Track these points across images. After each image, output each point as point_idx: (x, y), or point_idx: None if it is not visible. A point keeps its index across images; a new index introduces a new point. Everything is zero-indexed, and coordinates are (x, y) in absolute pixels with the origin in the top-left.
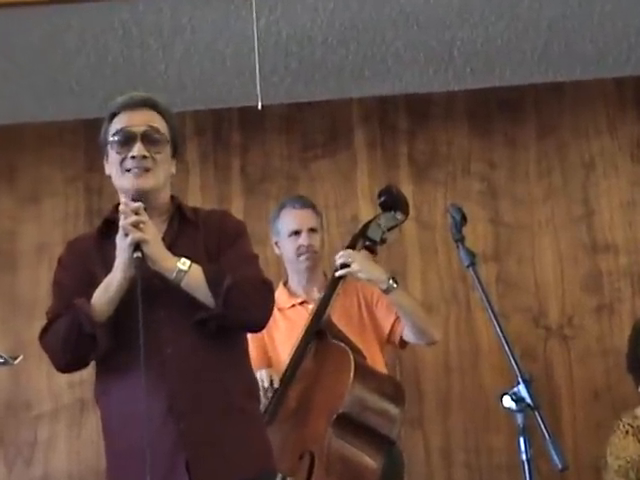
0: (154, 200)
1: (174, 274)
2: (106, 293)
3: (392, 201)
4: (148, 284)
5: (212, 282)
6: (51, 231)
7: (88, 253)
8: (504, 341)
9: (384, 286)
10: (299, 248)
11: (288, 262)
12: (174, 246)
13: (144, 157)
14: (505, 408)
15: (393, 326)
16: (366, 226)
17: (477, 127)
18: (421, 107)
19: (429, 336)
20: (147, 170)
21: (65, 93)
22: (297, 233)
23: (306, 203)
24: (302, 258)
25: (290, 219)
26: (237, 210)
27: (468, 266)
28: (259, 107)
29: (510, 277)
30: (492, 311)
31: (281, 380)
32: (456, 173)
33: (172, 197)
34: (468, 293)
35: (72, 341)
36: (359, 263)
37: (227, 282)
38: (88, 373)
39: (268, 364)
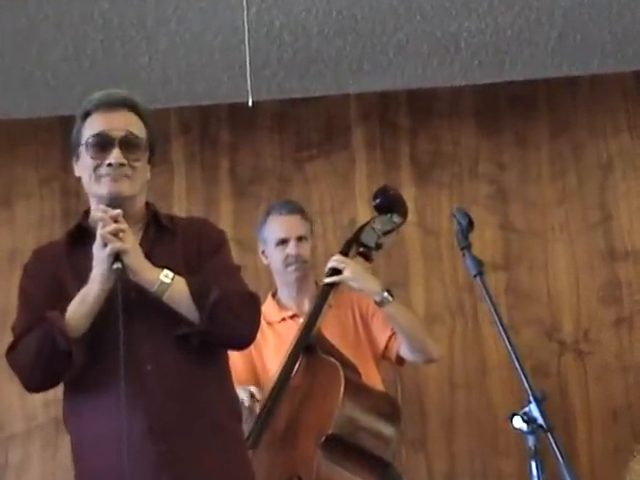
0: (130, 208)
1: (156, 286)
2: (82, 306)
3: (388, 203)
4: (126, 296)
5: (196, 295)
6: (24, 236)
7: (57, 262)
8: (514, 356)
9: (378, 298)
10: (287, 258)
11: (276, 273)
12: (151, 256)
13: (122, 165)
14: (515, 429)
15: (389, 342)
16: (360, 230)
17: (485, 125)
18: (424, 103)
19: (427, 354)
20: (125, 177)
21: (40, 87)
22: (284, 242)
23: (294, 208)
24: (290, 269)
25: (277, 226)
26: (226, 214)
27: (475, 275)
28: (250, 103)
29: (521, 287)
30: (501, 324)
31: (267, 399)
32: (462, 175)
33: (147, 204)
34: (475, 304)
35: (45, 358)
36: (351, 270)
37: (213, 296)
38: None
39: (256, 382)
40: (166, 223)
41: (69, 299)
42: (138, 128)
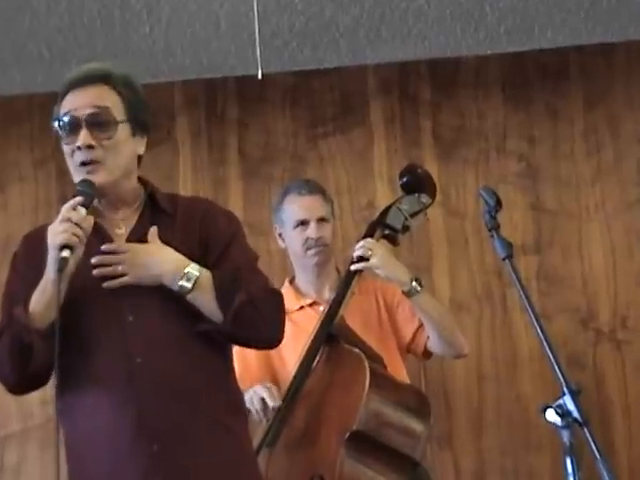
0: (114, 192)
1: (178, 286)
2: (43, 295)
3: (416, 182)
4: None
5: (221, 296)
6: (19, 222)
7: (46, 250)
8: (547, 346)
9: (406, 288)
10: (307, 241)
11: (294, 257)
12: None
13: (90, 147)
14: (548, 423)
15: (415, 334)
16: (385, 212)
17: (513, 97)
18: (447, 74)
19: (456, 348)
20: (95, 162)
21: (33, 61)
22: (304, 223)
23: (315, 188)
24: (310, 252)
25: (296, 207)
26: (235, 196)
27: (504, 259)
28: (259, 76)
29: (553, 271)
30: (532, 311)
31: (286, 393)
32: (489, 151)
33: (143, 182)
34: (504, 290)
35: (15, 356)
36: (380, 257)
37: (240, 298)
38: None
39: (272, 376)
40: (164, 205)
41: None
42: (110, 101)
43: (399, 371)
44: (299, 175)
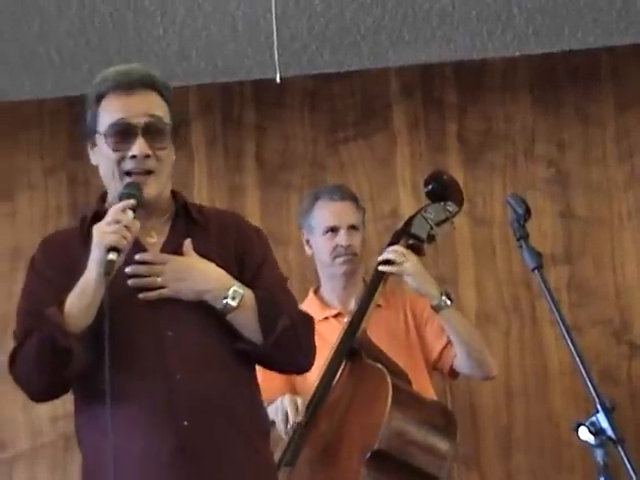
0: (155, 204)
1: (222, 304)
2: (82, 298)
3: (442, 189)
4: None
5: (264, 319)
6: (28, 232)
7: (70, 251)
8: (578, 360)
9: (435, 301)
10: (336, 248)
11: (321, 265)
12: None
13: (147, 157)
14: (581, 442)
15: (443, 351)
16: (410, 220)
17: (542, 100)
18: (473, 77)
19: (485, 370)
20: (149, 172)
21: (44, 66)
22: (334, 230)
23: (347, 194)
24: (339, 261)
25: (327, 213)
26: (252, 204)
27: (533, 269)
28: (277, 80)
29: (585, 282)
30: (563, 324)
31: (306, 410)
32: (517, 156)
33: (173, 192)
34: (533, 302)
35: (46, 360)
36: (412, 264)
37: (284, 322)
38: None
39: (292, 388)
40: (196, 215)
41: None
42: (161, 110)
43: (426, 388)
44: (319, 182)
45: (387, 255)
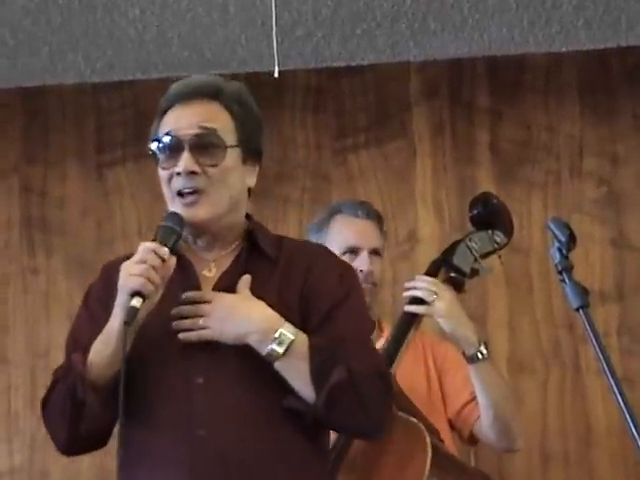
0: (215, 230)
1: (267, 351)
2: (106, 346)
3: (489, 216)
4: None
5: (317, 369)
6: None
7: None
8: (629, 418)
9: (471, 351)
10: None
11: None
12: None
13: (193, 173)
14: None
15: (464, 407)
16: (452, 249)
17: (593, 105)
18: (511, 75)
19: (510, 441)
20: (197, 192)
21: None
22: (354, 252)
23: (372, 213)
24: None
25: (348, 230)
26: None
27: (577, 309)
28: (276, 74)
29: (639, 325)
30: (612, 374)
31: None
32: (561, 172)
33: (248, 218)
34: (576, 347)
35: (67, 411)
36: (448, 304)
37: (335, 377)
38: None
39: None
40: (266, 247)
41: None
42: (220, 122)
43: (449, 447)
44: (322, 197)
45: (415, 292)
